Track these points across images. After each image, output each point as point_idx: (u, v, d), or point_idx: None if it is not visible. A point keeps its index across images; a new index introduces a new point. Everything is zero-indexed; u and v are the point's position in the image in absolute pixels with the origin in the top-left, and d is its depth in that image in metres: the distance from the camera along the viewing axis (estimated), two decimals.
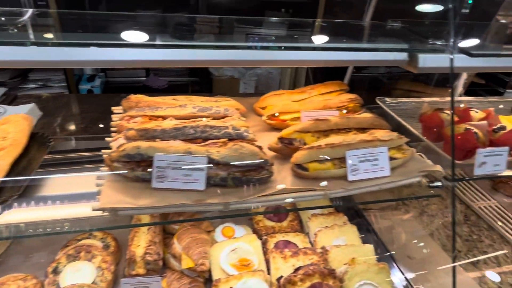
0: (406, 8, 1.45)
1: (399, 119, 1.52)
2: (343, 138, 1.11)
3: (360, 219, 1.68)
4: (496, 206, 1.92)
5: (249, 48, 1.02)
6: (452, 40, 1.11)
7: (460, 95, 1.96)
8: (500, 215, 1.85)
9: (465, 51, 1.14)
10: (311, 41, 1.24)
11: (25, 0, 2.33)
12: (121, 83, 3.62)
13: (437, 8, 1.35)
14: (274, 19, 1.57)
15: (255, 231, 1.53)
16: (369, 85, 1.73)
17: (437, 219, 1.81)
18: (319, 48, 1.14)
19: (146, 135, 1.12)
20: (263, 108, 1.46)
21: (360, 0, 1.57)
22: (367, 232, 1.59)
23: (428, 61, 1.18)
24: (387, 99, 1.66)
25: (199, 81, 3.81)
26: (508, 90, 2.37)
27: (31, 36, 1.06)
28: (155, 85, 3.69)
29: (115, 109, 1.41)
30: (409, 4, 1.44)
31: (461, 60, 1.17)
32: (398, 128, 1.55)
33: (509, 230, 1.74)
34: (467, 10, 1.76)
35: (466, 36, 1.43)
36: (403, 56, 1.18)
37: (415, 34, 1.28)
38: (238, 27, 1.36)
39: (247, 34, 1.25)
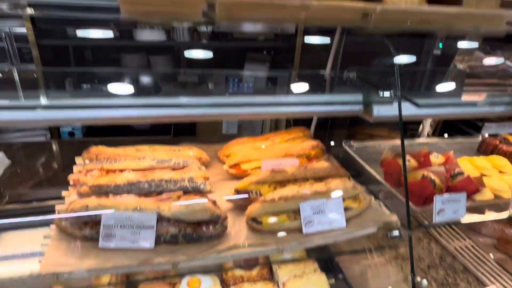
0: (367, 55, 1.51)
1: (363, 163, 1.54)
2: (297, 190, 1.11)
3: (332, 265, 1.65)
4: (472, 246, 1.89)
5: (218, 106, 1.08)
6: (399, 94, 1.15)
7: (429, 134, 2.00)
8: (476, 256, 1.82)
9: (413, 102, 1.18)
10: (276, 97, 1.28)
11: (10, 49, 2.39)
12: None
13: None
14: (246, 72, 1.63)
15: (223, 281, 1.49)
16: (338, 127, 1.76)
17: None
18: (283, 104, 1.19)
19: (99, 191, 1.11)
20: (227, 156, 1.47)
21: (326, 46, 1.64)
22: (337, 279, 1.56)
23: (382, 111, 1.21)
24: (352, 142, 1.68)
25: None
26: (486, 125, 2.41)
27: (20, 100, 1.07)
28: (139, 125, 3.72)
29: (78, 159, 1.41)
30: (369, 51, 1.50)
31: (411, 109, 1.21)
32: (361, 172, 1.56)
33: (484, 272, 1.71)
34: (439, 51, 1.84)
35: (421, 84, 1.48)
36: (359, 107, 1.23)
37: (369, 84, 1.32)
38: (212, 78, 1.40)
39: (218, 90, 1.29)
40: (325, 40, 1.43)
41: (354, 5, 1.23)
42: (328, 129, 1.71)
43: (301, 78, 1.45)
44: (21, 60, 2.30)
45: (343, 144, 1.68)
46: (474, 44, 1.70)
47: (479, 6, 1.32)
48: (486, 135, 1.83)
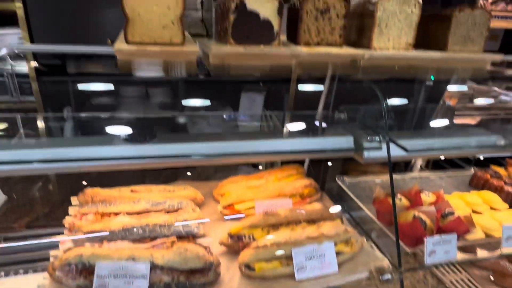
0: (358, 95, 1.55)
1: (356, 200, 1.55)
2: (290, 236, 1.13)
3: None
4: (468, 279, 1.89)
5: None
6: (387, 139, 1.18)
7: (422, 168, 2.02)
8: None
9: (401, 147, 1.21)
10: (271, 141, 1.31)
11: (11, 87, 2.42)
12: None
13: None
14: (241, 109, 1.66)
15: None
16: (331, 162, 1.78)
17: None
18: (277, 152, 1.23)
19: (94, 237, 1.13)
20: (221, 195, 1.49)
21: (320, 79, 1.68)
22: None
23: (372, 154, 1.25)
24: (345, 178, 1.70)
25: (174, 130, 3.85)
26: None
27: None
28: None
29: (73, 199, 1.42)
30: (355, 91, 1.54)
31: (400, 152, 1.25)
32: (355, 209, 1.58)
33: None
34: (431, 82, 1.88)
35: (411, 122, 1.52)
36: (351, 149, 1.27)
37: (360, 126, 1.35)
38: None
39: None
40: (318, 85, 1.48)
41: (343, 52, 1.28)
42: (321, 164, 1.74)
43: (294, 118, 1.49)
44: (21, 93, 2.34)
45: (337, 179, 1.70)
46: (464, 79, 1.76)
47: (463, 51, 1.37)
48: (475, 168, 1.86)
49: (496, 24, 3.70)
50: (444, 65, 1.41)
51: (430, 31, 1.40)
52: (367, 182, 1.70)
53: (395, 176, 1.80)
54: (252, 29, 1.21)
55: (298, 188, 1.44)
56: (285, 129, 1.40)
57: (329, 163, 1.76)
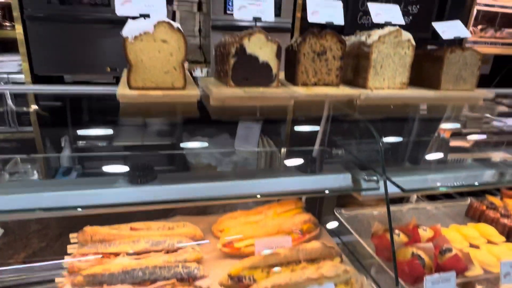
0: (355, 132, 1.58)
1: (355, 235, 1.56)
2: (290, 277, 1.13)
3: None
4: None
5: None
6: (385, 178, 1.21)
7: (418, 197, 2.04)
8: None
9: (398, 186, 1.23)
10: (268, 180, 1.33)
11: (9, 118, 2.44)
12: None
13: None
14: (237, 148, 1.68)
15: None
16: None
17: None
18: (276, 193, 1.25)
19: (94, 280, 1.12)
20: (220, 231, 1.49)
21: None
22: None
23: (369, 192, 1.27)
24: (343, 210, 1.71)
25: (176, 170, 3.87)
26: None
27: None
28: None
29: (72, 237, 1.41)
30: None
31: (396, 189, 1.27)
32: (354, 244, 1.59)
33: None
34: (426, 118, 1.92)
35: (408, 156, 1.54)
36: (349, 187, 1.29)
37: (358, 164, 1.38)
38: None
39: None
40: (315, 124, 1.51)
41: (339, 93, 1.32)
42: (319, 197, 1.75)
43: (291, 154, 1.51)
44: (19, 124, 2.36)
45: (335, 212, 1.71)
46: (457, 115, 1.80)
47: (456, 89, 1.42)
48: (471, 199, 1.88)
49: (486, 49, 3.81)
50: (438, 103, 1.45)
51: (424, 71, 1.45)
52: (365, 215, 1.71)
53: (392, 208, 1.81)
54: (251, 72, 1.25)
55: (297, 224, 1.45)
56: (283, 166, 1.41)
57: (327, 196, 1.77)
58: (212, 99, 1.20)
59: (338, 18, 1.32)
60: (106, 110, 1.49)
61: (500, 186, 1.64)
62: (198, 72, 3.17)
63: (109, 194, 1.14)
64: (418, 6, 3.21)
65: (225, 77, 1.26)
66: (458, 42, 1.47)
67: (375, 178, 1.23)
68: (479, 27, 3.81)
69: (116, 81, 2.82)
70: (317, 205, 1.77)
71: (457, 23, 1.45)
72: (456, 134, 1.62)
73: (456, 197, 1.94)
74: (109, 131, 1.82)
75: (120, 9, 1.07)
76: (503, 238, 1.59)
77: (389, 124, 1.47)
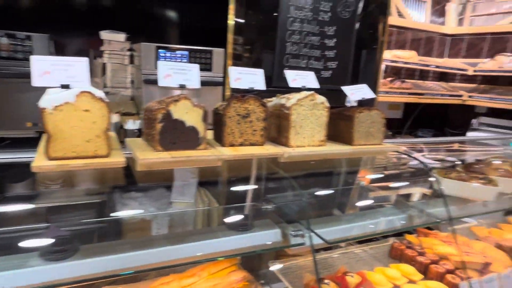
0: (282, 188, 1.67)
1: (290, 287, 1.59)
2: None
3: None
4: None
5: None
6: (310, 234, 1.28)
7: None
8: None
9: (323, 239, 1.31)
10: (202, 240, 1.32)
11: None
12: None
13: None
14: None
15: None
16: None
17: None
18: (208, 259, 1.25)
19: None
20: None
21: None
22: None
23: (297, 246, 1.32)
24: (278, 263, 1.74)
25: (107, 227, 3.62)
26: None
27: None
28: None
29: None
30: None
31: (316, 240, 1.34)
32: None
33: None
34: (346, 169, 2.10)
35: (331, 212, 1.65)
36: (278, 244, 1.34)
37: (286, 219, 1.44)
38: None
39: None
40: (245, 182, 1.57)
41: (264, 152, 1.40)
42: None
43: (223, 213, 1.53)
44: None
45: (270, 265, 1.73)
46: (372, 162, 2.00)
47: (367, 144, 1.59)
48: (394, 239, 2.04)
49: (395, 98, 4.34)
50: (353, 157, 1.61)
51: (339, 128, 1.61)
52: (299, 266, 1.76)
53: (324, 254, 1.89)
54: (178, 136, 1.28)
55: (232, 283, 1.44)
56: (215, 226, 1.43)
57: None
58: (138, 165, 1.20)
59: (259, 84, 1.43)
60: (20, 177, 1.39)
61: (412, 228, 1.80)
62: (130, 124, 3.11)
63: (22, 275, 1.04)
64: (336, 62, 3.59)
65: (153, 142, 1.27)
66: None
67: (301, 232, 1.30)
68: (389, 79, 4.36)
69: (40, 135, 2.66)
70: (253, 259, 1.78)
71: (364, 86, 1.66)
72: (372, 183, 1.79)
73: (380, 239, 2.10)
74: (23, 202, 1.68)
75: (38, 81, 1.05)
76: (421, 276, 1.73)
77: (313, 178, 1.59)
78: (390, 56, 4.25)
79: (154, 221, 1.47)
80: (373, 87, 3.85)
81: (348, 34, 3.59)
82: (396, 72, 5.02)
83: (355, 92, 1.61)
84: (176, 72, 1.27)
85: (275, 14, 3.20)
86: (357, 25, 3.61)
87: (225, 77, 3.12)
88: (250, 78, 1.42)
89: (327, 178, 1.66)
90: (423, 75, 5.21)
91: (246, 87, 1.41)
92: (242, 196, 1.56)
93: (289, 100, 1.47)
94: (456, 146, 3.51)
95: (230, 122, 1.39)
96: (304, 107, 1.46)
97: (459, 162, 2.44)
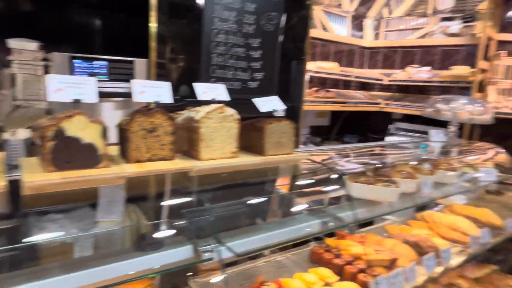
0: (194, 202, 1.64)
1: None
2: None
3: None
4: None
5: None
6: (219, 246, 1.27)
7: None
8: None
9: (233, 251, 1.31)
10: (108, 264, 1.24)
11: None
12: None
13: None
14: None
15: None
16: None
17: None
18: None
19: None
20: None
21: None
22: None
23: (209, 261, 1.30)
24: (197, 278, 1.71)
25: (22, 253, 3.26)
26: None
27: None
28: None
29: None
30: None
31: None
32: None
33: None
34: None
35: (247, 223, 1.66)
36: (190, 261, 1.30)
37: (199, 231, 1.42)
38: None
39: None
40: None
41: (173, 167, 1.36)
42: None
43: (134, 233, 1.46)
44: None
45: (188, 281, 1.69)
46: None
47: (278, 154, 1.63)
48: (314, 243, 2.11)
49: (322, 107, 4.58)
50: (266, 166, 1.64)
51: (251, 139, 1.64)
52: (217, 280, 1.73)
53: (247, 264, 1.89)
54: (73, 154, 1.19)
55: None
56: (121, 248, 1.35)
57: None
58: (25, 188, 1.09)
59: (165, 97, 1.40)
60: None
61: (322, 234, 1.86)
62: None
63: None
64: (263, 73, 3.68)
65: (44, 161, 1.17)
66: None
67: (210, 247, 1.28)
68: (314, 88, 4.59)
69: None
70: (173, 277, 1.72)
71: (274, 98, 1.71)
72: (288, 191, 1.84)
73: (302, 244, 2.16)
74: None
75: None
76: (336, 277, 1.81)
77: (228, 190, 1.59)
78: (314, 67, 4.48)
79: (50, 248, 1.35)
80: (299, 96, 4.02)
81: (273, 46, 3.72)
82: (322, 82, 5.31)
83: (265, 104, 1.65)
84: (69, 86, 1.19)
85: (198, 25, 3.20)
86: (281, 38, 3.75)
87: None
88: (155, 91, 1.38)
89: (243, 189, 1.67)
90: (346, 84, 5.58)
91: (151, 101, 1.37)
92: (154, 213, 1.50)
93: (198, 113, 1.46)
94: (377, 150, 3.80)
95: (135, 137, 1.33)
96: (213, 120, 1.46)
97: (380, 165, 2.63)
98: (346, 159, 2.85)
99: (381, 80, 5.11)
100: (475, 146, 3.02)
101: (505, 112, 4.17)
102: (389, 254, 1.93)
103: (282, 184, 1.82)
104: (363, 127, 5.82)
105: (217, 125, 1.47)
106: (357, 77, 4.96)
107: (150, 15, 2.92)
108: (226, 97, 1.56)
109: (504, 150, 2.73)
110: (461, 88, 4.55)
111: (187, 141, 1.52)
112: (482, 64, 4.20)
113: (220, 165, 1.45)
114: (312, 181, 1.91)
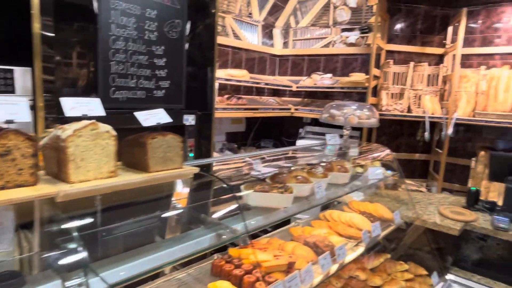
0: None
1: None
2: None
3: None
4: None
5: None
6: (91, 278, 1.16)
7: (175, 266, 2.09)
8: None
9: (105, 282, 1.20)
10: None
11: None
12: None
13: None
14: None
15: None
16: None
17: None
18: None
19: None
20: None
21: None
22: None
23: None
24: None
25: None
26: None
27: None
28: None
29: None
30: None
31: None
32: None
33: None
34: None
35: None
36: None
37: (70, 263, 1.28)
38: None
39: None
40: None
41: (31, 194, 1.21)
42: None
43: None
44: None
45: None
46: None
47: (165, 169, 1.56)
48: (217, 255, 2.08)
49: (232, 114, 4.61)
50: (152, 184, 1.56)
51: (134, 156, 1.54)
52: None
53: (145, 287, 1.78)
54: None
55: None
56: None
57: None
58: None
59: (97, 110, 1.24)
60: None
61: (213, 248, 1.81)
62: None
63: None
64: (169, 82, 3.57)
65: None
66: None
67: (79, 280, 1.16)
68: (226, 96, 4.61)
69: None
70: None
71: (160, 111, 1.64)
72: (183, 206, 1.79)
73: (206, 256, 2.11)
74: None
75: None
76: None
77: (108, 212, 1.47)
78: (224, 74, 4.51)
79: None
80: (210, 104, 3.99)
81: (179, 54, 3.63)
82: (237, 89, 5.37)
83: (149, 118, 1.58)
84: None
85: (93, 31, 2.96)
86: (187, 45, 3.68)
87: (35, 100, 2.69)
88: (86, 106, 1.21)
89: (128, 210, 1.56)
90: (260, 91, 5.73)
91: (80, 114, 1.19)
92: (18, 247, 1.31)
93: (65, 131, 1.32)
94: (290, 153, 3.94)
95: None
96: (83, 137, 1.33)
97: (295, 168, 2.71)
98: (263, 164, 2.89)
99: (290, 86, 5.35)
100: (366, 148, 3.32)
101: (395, 114, 4.69)
102: (286, 259, 1.98)
103: (173, 200, 1.75)
104: (278, 132, 6.03)
105: (89, 143, 1.35)
106: (267, 84, 5.12)
107: (32, 17, 2.61)
108: (100, 112, 1.45)
109: (389, 150, 3.04)
110: (359, 93, 5.00)
111: (56, 163, 1.37)
112: (374, 71, 4.66)
113: (94, 188, 1.33)
114: (206, 193, 1.88)
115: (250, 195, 1.90)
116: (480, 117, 4.23)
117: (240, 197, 1.80)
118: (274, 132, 6.00)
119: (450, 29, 4.88)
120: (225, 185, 1.64)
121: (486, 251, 2.78)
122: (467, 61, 4.72)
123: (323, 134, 5.28)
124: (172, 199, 1.71)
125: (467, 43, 4.68)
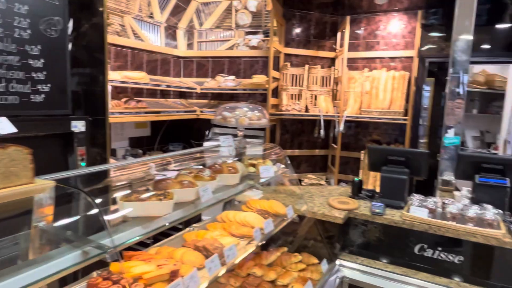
0: None
1: None
2: None
3: None
4: None
5: None
6: None
7: None
8: None
9: None
10: None
11: None
12: None
13: None
14: None
15: None
16: None
17: None
18: None
19: None
20: None
21: None
22: None
23: None
24: None
25: None
26: None
27: None
28: None
29: None
30: None
31: None
32: None
33: None
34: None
35: None
36: None
37: None
38: None
39: None
40: None
41: None
42: None
43: None
44: None
45: None
46: None
47: (10, 186, 1.38)
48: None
49: (131, 118, 4.37)
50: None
51: None
52: None
53: None
54: None
55: None
56: None
57: None
58: None
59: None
60: None
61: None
62: None
63: None
64: (49, 85, 3.23)
65: None
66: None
67: None
68: (123, 99, 4.36)
69: None
70: None
71: (3, 120, 1.45)
72: (47, 224, 1.61)
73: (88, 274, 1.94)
74: None
75: None
76: None
77: None
78: (120, 77, 4.25)
79: None
80: (102, 108, 3.72)
81: (60, 55, 3.31)
82: (138, 92, 5.11)
83: None
84: None
85: None
86: (70, 45, 3.37)
87: None
88: None
89: None
90: (164, 93, 5.55)
91: None
92: None
93: None
94: (198, 155, 3.87)
95: None
96: None
97: (182, 173, 2.63)
98: (169, 166, 2.77)
99: (194, 88, 5.30)
100: (263, 148, 3.43)
101: (294, 114, 4.96)
102: (170, 267, 1.93)
103: (35, 218, 1.56)
104: (186, 134, 5.92)
105: None
106: (168, 86, 4.99)
107: None
108: (11, 129, 1.22)
109: (279, 150, 3.18)
110: (262, 94, 5.17)
111: None
112: (274, 73, 4.86)
113: None
114: (69, 208, 1.73)
115: (125, 205, 1.80)
116: (365, 114, 4.71)
117: (107, 210, 1.69)
118: (183, 134, 5.88)
119: (339, 35, 5.34)
120: (89, 199, 1.52)
121: (367, 235, 3.09)
122: (354, 64, 5.22)
123: (229, 135, 5.36)
124: (35, 217, 1.52)
125: (353, 47, 5.18)
